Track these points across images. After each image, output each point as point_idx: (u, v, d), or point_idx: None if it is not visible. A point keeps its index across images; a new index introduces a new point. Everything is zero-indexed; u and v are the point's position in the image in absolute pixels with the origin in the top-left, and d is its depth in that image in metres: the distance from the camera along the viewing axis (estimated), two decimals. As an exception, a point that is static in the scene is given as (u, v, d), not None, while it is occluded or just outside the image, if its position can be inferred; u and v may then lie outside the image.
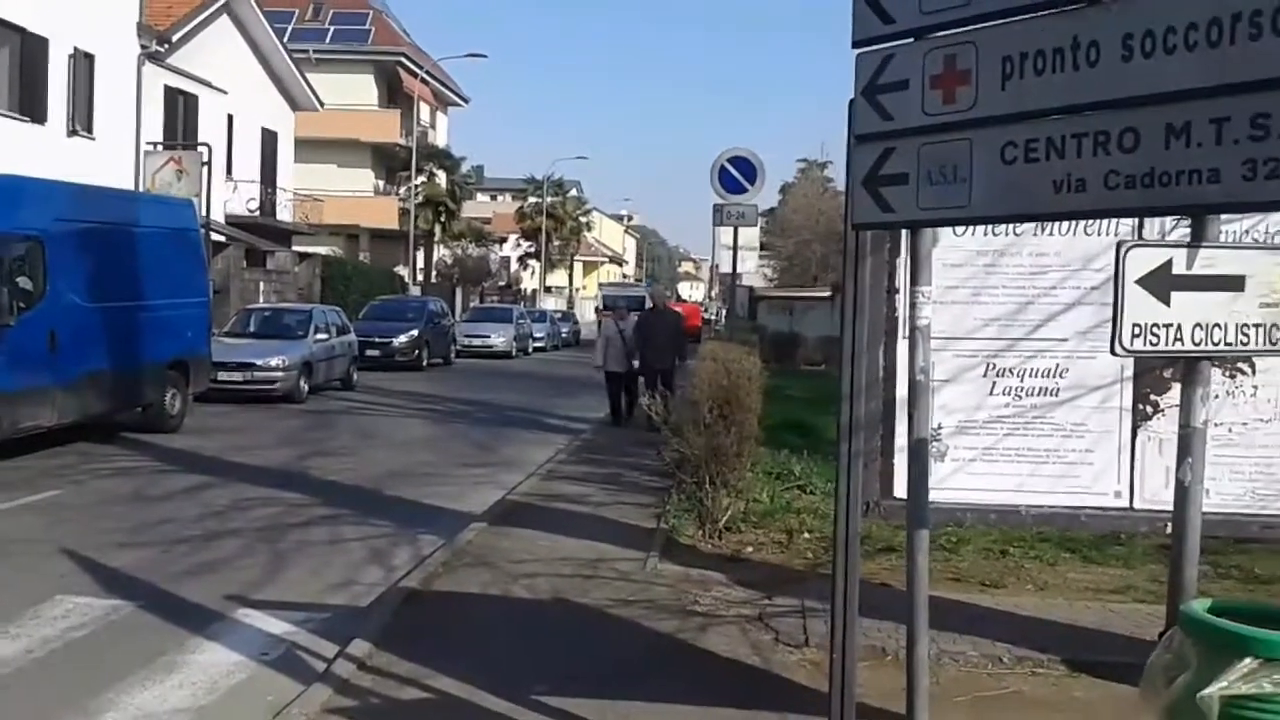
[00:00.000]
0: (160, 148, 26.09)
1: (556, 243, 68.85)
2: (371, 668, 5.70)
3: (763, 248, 41.54)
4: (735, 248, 15.44)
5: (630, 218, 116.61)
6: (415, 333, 27.70)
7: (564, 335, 45.03)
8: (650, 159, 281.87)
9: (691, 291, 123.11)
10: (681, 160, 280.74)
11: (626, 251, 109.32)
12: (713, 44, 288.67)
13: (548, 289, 68.36)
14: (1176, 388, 4.39)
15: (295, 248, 35.68)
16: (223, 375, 17.55)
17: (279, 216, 34.79)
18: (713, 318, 46.00)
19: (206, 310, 16.13)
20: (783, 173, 61.06)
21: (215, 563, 8.02)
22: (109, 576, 7.52)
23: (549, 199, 65.62)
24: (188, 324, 15.15)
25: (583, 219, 74.09)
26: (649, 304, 17.39)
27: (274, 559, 8.20)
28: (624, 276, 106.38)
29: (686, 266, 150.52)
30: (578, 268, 79.90)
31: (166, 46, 26.23)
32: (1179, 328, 3.21)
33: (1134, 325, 3.17)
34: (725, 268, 17.85)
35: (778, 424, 12.84)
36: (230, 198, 30.69)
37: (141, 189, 23.95)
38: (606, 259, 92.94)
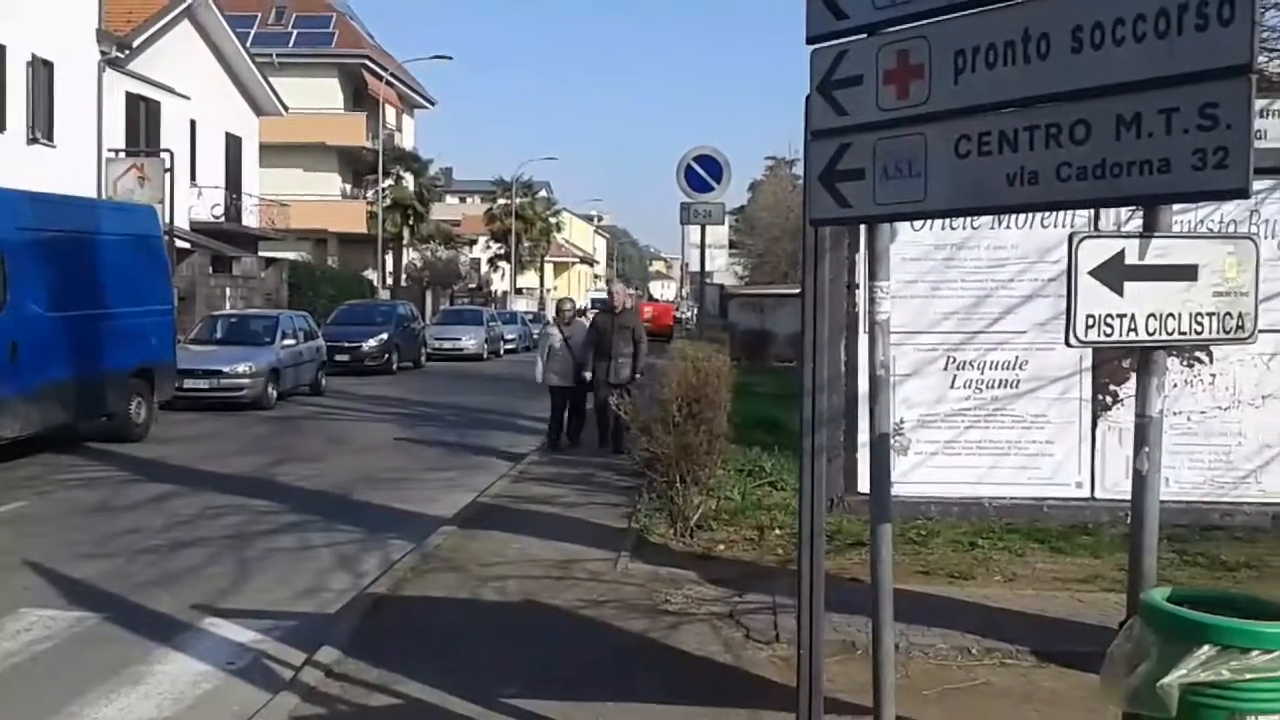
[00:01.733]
0: (122, 155, 25.86)
1: (526, 244, 68.65)
2: (339, 674, 5.66)
3: (733, 246, 41.64)
4: (703, 246, 15.46)
5: (600, 218, 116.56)
6: (385, 336, 27.55)
7: (535, 337, 44.85)
8: (619, 159, 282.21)
9: (663, 290, 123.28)
10: (651, 160, 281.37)
11: (597, 252, 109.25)
12: (681, 43, 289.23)
13: (518, 290, 68.17)
14: (1134, 378, 4.42)
15: (262, 253, 35.43)
16: (189, 383, 17.40)
17: (245, 222, 34.52)
18: (684, 316, 46.03)
19: (171, 317, 15.99)
20: (751, 171, 61.31)
21: (182, 572, 7.95)
22: (74, 588, 7.44)
23: (518, 200, 65.45)
24: (152, 332, 15.01)
25: (552, 220, 73.89)
26: (608, 304, 13.82)
27: (241, 567, 8.13)
28: (595, 278, 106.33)
29: (658, 265, 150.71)
30: (548, 269, 79.71)
31: (127, 53, 25.97)
32: (1133, 318, 3.23)
33: (1088, 316, 3.19)
34: (695, 266, 17.79)
35: (748, 421, 12.86)
36: (195, 204, 30.42)
37: (103, 196, 23.71)
38: (577, 259, 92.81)
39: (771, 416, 13.94)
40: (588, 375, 13.40)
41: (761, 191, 54.13)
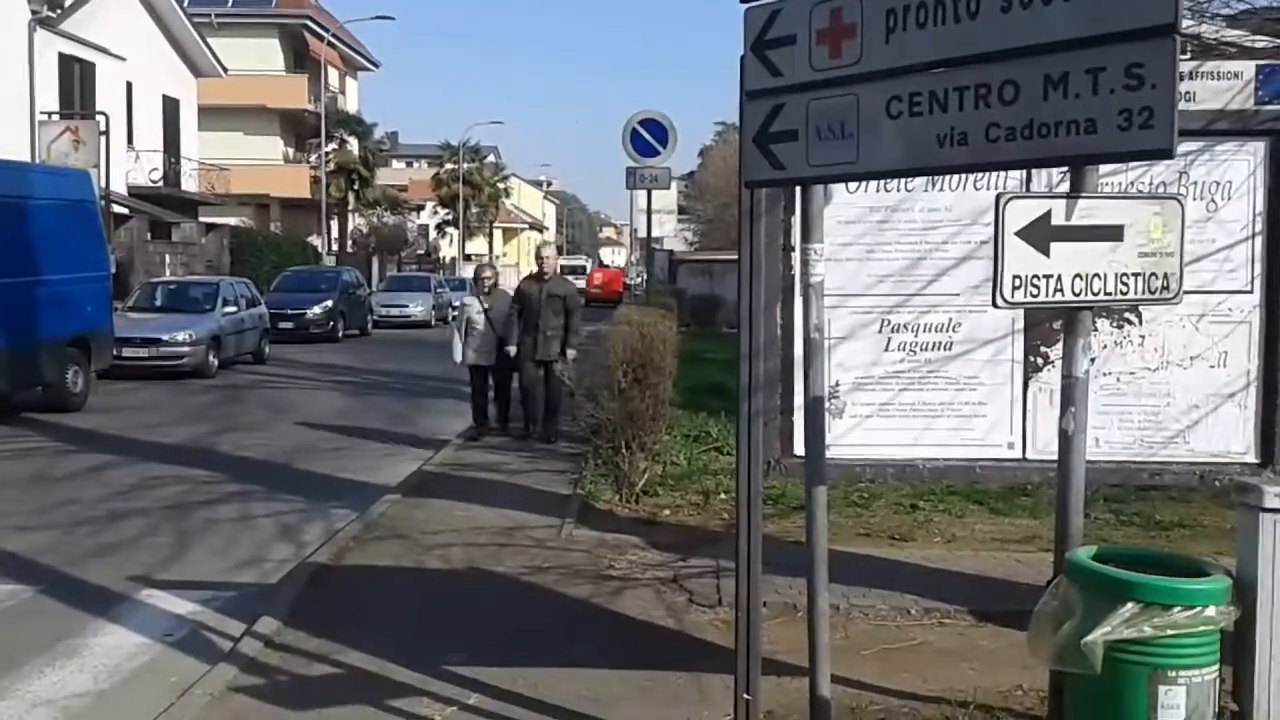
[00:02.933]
0: (55, 117, 25.22)
1: (475, 210, 68.00)
2: (279, 645, 5.61)
3: (683, 211, 41.63)
4: (649, 211, 15.40)
5: (549, 183, 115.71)
6: (329, 304, 27.23)
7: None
8: (568, 124, 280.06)
9: (614, 257, 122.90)
10: (599, 125, 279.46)
11: (546, 218, 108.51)
12: (630, 7, 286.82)
13: (467, 257, 67.48)
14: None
15: (202, 219, 34.77)
16: (127, 351, 17.10)
17: (184, 187, 33.85)
18: (634, 283, 45.98)
19: (107, 284, 15.68)
20: (702, 136, 61.15)
21: (119, 543, 7.83)
22: (8, 561, 7.31)
23: (466, 165, 64.74)
24: (87, 299, 14.71)
25: (501, 185, 73.19)
26: (537, 271, 12.09)
27: (180, 538, 8.02)
28: (545, 244, 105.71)
29: (608, 232, 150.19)
30: (497, 235, 79.08)
31: (59, 12, 25.28)
32: (1059, 278, 3.25)
33: (1014, 277, 3.20)
34: (645, 232, 17.71)
35: (696, 387, 12.89)
36: (132, 168, 29.79)
37: (36, 160, 23.10)
38: (526, 225, 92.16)
39: (719, 382, 13.98)
40: (511, 350, 11.72)
41: (711, 157, 54.14)
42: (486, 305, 12.07)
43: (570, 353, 11.75)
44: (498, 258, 76.07)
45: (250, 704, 4.92)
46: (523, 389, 11.98)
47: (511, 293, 12.38)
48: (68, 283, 14.06)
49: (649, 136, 14.30)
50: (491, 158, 73.61)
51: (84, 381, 14.55)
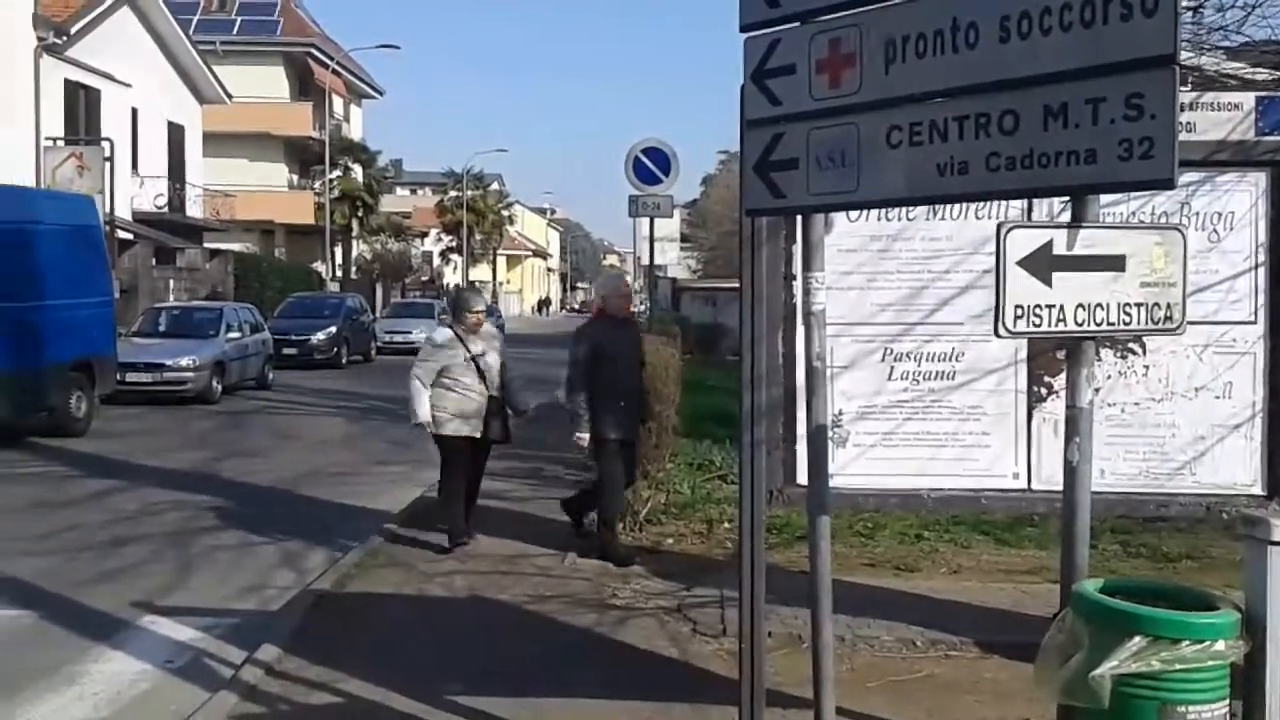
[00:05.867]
0: (61, 143, 25.35)
1: (479, 237, 68.22)
2: (280, 673, 5.58)
3: (685, 239, 41.68)
4: (652, 239, 15.43)
5: (553, 211, 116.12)
6: (333, 330, 27.27)
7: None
8: (572, 152, 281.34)
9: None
10: (603, 153, 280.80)
11: (550, 245, 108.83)
12: (632, 35, 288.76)
13: (470, 283, 67.72)
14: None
15: (207, 244, 34.93)
16: (131, 376, 17.14)
17: (189, 213, 34.01)
18: (636, 310, 46.11)
19: (111, 309, 15.71)
20: (704, 164, 61.41)
21: (122, 569, 7.81)
22: (10, 586, 7.30)
23: (470, 192, 65.00)
24: (91, 324, 14.75)
25: (505, 212, 73.50)
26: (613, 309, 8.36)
27: (182, 564, 8.00)
28: (549, 271, 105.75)
29: (611, 259, 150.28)
30: (501, 262, 79.29)
31: (65, 39, 25.45)
32: (1061, 308, 3.24)
33: (1016, 307, 3.19)
34: (648, 260, 17.73)
35: (700, 415, 12.86)
36: (137, 194, 29.92)
37: (42, 185, 23.20)
38: (530, 253, 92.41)
39: (723, 410, 13.93)
40: (583, 437, 7.91)
41: (714, 185, 54.34)
42: (476, 350, 8.25)
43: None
44: (501, 284, 76.23)
45: (250, 733, 4.89)
46: (603, 479, 8.12)
47: (498, 330, 9.05)
48: (72, 307, 14.10)
49: (651, 164, 14.35)
50: (495, 185, 73.94)
51: (87, 406, 14.57)
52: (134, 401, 17.26)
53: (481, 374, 8.20)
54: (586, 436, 7.84)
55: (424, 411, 8.19)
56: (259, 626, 6.44)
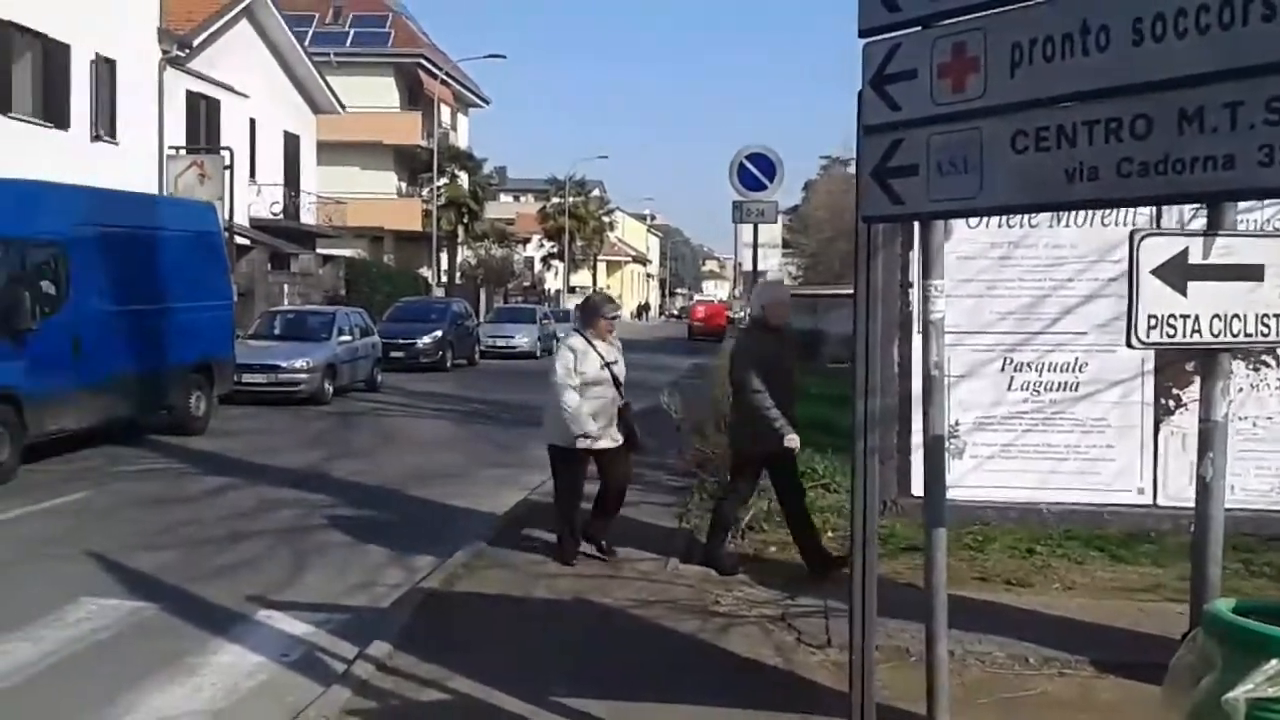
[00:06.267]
0: (183, 152, 26.30)
1: (579, 243, 68.84)
2: (391, 669, 5.68)
3: (786, 245, 41.43)
4: (755, 245, 15.33)
5: (653, 217, 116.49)
6: (439, 334, 27.74)
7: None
8: (672, 158, 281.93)
9: (716, 290, 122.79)
10: (704, 158, 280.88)
11: (650, 251, 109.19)
12: (735, 41, 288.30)
13: (571, 289, 68.32)
14: (1199, 381, 4.29)
15: (319, 250, 35.87)
16: (247, 377, 17.64)
17: (303, 219, 34.97)
18: (736, 317, 45.91)
19: (230, 313, 16.21)
20: (806, 170, 60.97)
21: (238, 564, 8.05)
22: (132, 578, 7.56)
23: (571, 199, 65.65)
24: (211, 327, 15.25)
25: (605, 219, 74.09)
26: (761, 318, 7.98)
27: (296, 560, 8.21)
28: (648, 277, 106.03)
29: (710, 265, 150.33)
30: (601, 267, 79.87)
31: (187, 51, 26.41)
32: (1196, 319, 3.13)
33: (1150, 317, 3.09)
34: (748, 266, 17.61)
35: (801, 422, 12.71)
36: (254, 201, 30.86)
37: (164, 193, 24.13)
38: (630, 259, 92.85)
39: (825, 418, 13.79)
40: (793, 441, 7.53)
41: (816, 190, 53.88)
42: (610, 357, 8.01)
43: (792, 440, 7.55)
44: (601, 289, 76.71)
45: (363, 728, 4.99)
46: (734, 490, 8.06)
47: (616, 341, 8.26)
48: (193, 310, 14.61)
49: (756, 171, 14.26)
50: (597, 192, 74.53)
51: (206, 406, 15.07)
52: (250, 401, 17.78)
53: (616, 381, 7.99)
54: (798, 440, 7.58)
55: (589, 423, 7.75)
56: (370, 623, 6.57)
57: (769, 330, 7.82)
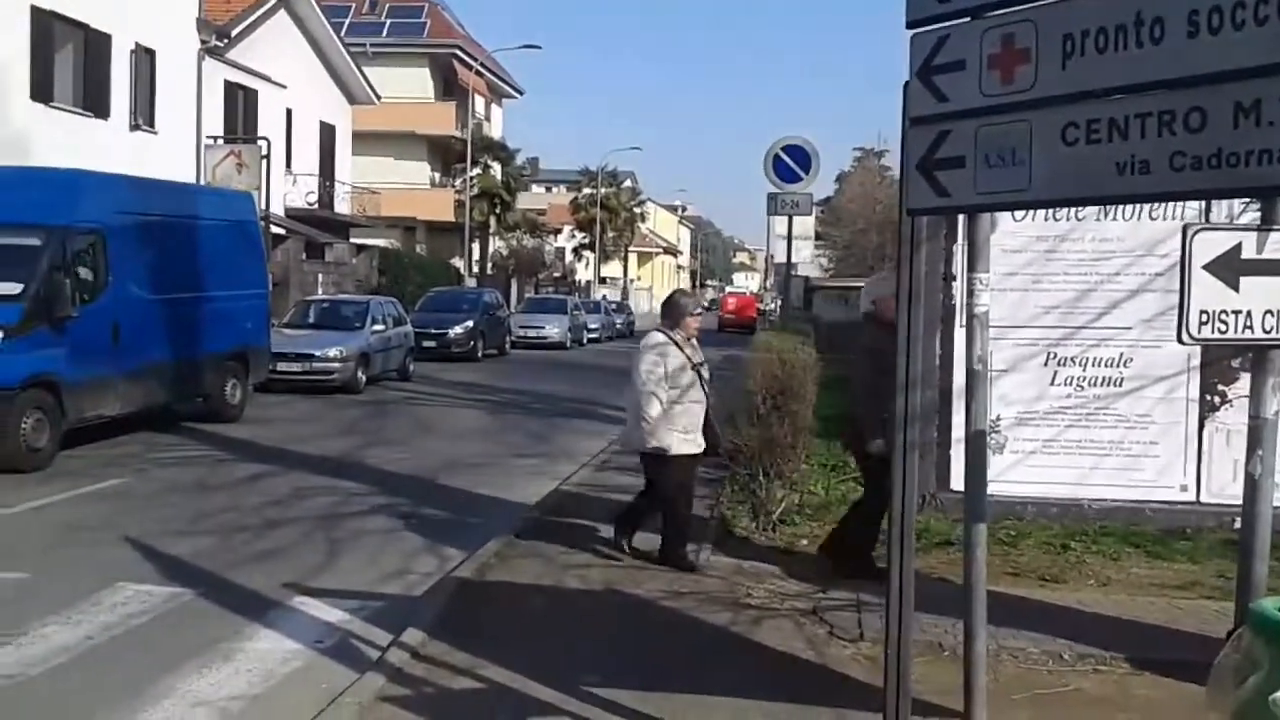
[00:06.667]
0: (220, 141, 26.51)
1: (611, 234, 68.83)
2: (425, 657, 5.72)
3: (818, 237, 41.27)
4: (789, 237, 15.29)
5: (684, 208, 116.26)
6: (471, 324, 27.83)
7: (618, 326, 45.22)
8: (704, 149, 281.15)
9: (747, 282, 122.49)
10: (735, 150, 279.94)
11: (681, 242, 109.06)
12: (766, 32, 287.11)
13: (602, 280, 68.40)
14: (1245, 378, 4.24)
15: (353, 240, 36.06)
16: (282, 366, 17.78)
17: (337, 209, 35.16)
18: (767, 309, 45.71)
19: (266, 302, 16.34)
20: (839, 161, 60.69)
21: (273, 551, 8.12)
22: (170, 564, 7.64)
23: (603, 190, 65.65)
24: (247, 315, 15.37)
25: (637, 210, 73.99)
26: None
27: (331, 547, 8.28)
28: (679, 269, 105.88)
29: (741, 257, 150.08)
30: (632, 259, 79.85)
31: (226, 41, 26.60)
32: (1249, 314, 3.09)
33: (1201, 312, 3.05)
34: (780, 258, 17.55)
35: (834, 415, 12.69)
36: (289, 191, 31.06)
37: (202, 182, 24.34)
38: (661, 250, 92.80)
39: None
40: (879, 444, 6.51)
41: (849, 183, 53.65)
42: (697, 359, 7.57)
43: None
44: (632, 281, 76.71)
45: (398, 714, 5.02)
46: (880, 495, 6.50)
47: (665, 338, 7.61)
48: (230, 299, 14.73)
49: (791, 162, 14.20)
50: (628, 183, 74.51)
51: (241, 394, 15.20)
52: (283, 390, 17.92)
53: (704, 384, 7.51)
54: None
55: (667, 436, 7.28)
56: (404, 610, 6.61)
57: (882, 326, 6.96)
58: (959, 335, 4.16)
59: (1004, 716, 4.86)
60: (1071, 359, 4.39)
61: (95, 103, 22.52)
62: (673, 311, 7.72)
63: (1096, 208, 4.25)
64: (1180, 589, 7.03)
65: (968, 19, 3.51)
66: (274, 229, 26.18)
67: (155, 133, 24.30)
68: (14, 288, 11.13)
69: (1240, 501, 3.46)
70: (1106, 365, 4.39)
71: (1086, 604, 6.69)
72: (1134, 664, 5.67)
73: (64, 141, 19.96)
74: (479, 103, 48.11)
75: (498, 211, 49.60)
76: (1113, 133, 3.10)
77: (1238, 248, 3.08)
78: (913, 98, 3.66)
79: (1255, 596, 3.21)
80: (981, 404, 3.68)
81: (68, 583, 7.01)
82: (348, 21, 41.65)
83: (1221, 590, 6.88)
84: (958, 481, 4.22)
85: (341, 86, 35.06)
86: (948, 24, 3.55)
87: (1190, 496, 4.36)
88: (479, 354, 27.97)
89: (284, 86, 30.07)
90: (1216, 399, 4.33)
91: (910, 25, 3.63)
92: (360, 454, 12.77)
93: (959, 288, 4.18)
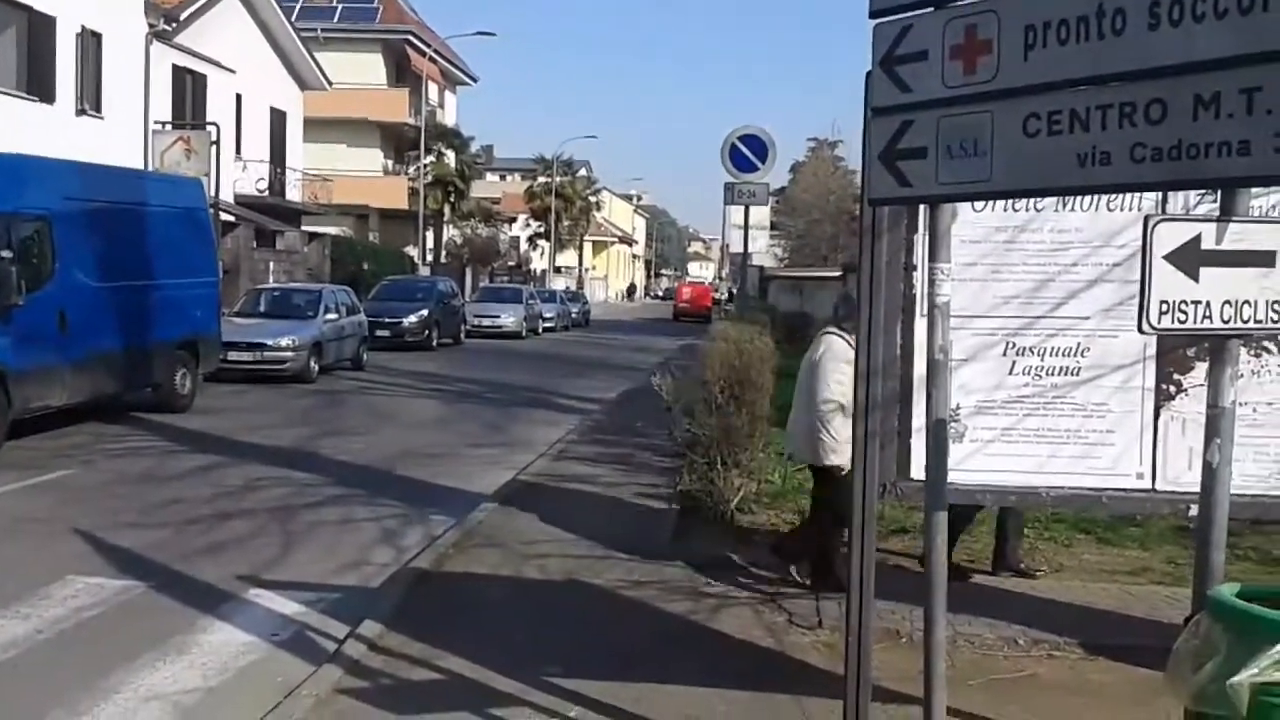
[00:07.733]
0: (169, 127, 26.07)
1: (566, 223, 68.67)
2: (382, 648, 5.68)
3: (773, 227, 41.45)
4: (746, 227, 15.33)
5: (640, 197, 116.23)
6: (425, 313, 27.66)
7: (574, 316, 45.13)
8: (660, 138, 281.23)
9: (701, 271, 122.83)
10: (691, 139, 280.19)
11: (636, 231, 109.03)
12: (722, 21, 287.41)
13: (557, 269, 68.25)
14: (1200, 367, 4.31)
15: (305, 227, 35.67)
16: (233, 355, 17.53)
17: (288, 196, 34.75)
18: (722, 298, 45.89)
19: (216, 290, 16.09)
20: (793, 152, 60.82)
21: (227, 543, 8.02)
22: (120, 556, 7.52)
23: (558, 179, 65.46)
24: (197, 303, 15.14)
25: (592, 199, 73.89)
26: None
27: (285, 539, 8.19)
28: (634, 258, 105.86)
29: (696, 246, 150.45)
30: (587, 248, 79.70)
31: (174, 25, 26.13)
32: (1208, 305, 3.12)
33: (1162, 302, 3.09)
34: (736, 247, 17.61)
35: (789, 404, 12.76)
36: (239, 177, 30.64)
37: (150, 168, 23.92)
38: (616, 239, 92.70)
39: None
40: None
41: (803, 173, 53.82)
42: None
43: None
44: (587, 270, 76.59)
45: (355, 706, 4.98)
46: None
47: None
48: (179, 287, 14.49)
49: (748, 152, 14.24)
50: (584, 171, 74.34)
51: (191, 383, 14.98)
52: (234, 379, 17.67)
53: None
54: None
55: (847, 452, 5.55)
56: (360, 602, 6.56)
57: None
58: (919, 325, 4.18)
59: (961, 702, 4.91)
60: (1030, 348, 4.43)
61: (40, 87, 22.04)
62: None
63: (1056, 199, 4.29)
64: (1131, 574, 7.16)
65: (930, 9, 3.51)
66: (224, 216, 25.81)
67: (102, 118, 23.85)
68: (-44, 275, 10.87)
69: (1195, 489, 3.51)
70: (1064, 355, 4.44)
71: (1040, 590, 6.80)
72: (1088, 649, 5.77)
73: (6, 126, 19.52)
74: (433, 90, 47.71)
75: (452, 200, 49.29)
76: (1074, 124, 3.12)
77: (1197, 239, 3.12)
78: (875, 88, 3.66)
79: (1213, 583, 3.27)
80: (942, 393, 3.70)
81: (16, 576, 6.87)
82: (299, 6, 41.06)
83: (1172, 576, 7.02)
84: (918, 470, 4.23)
85: (292, 72, 34.59)
86: (910, 14, 3.55)
87: (1146, 484, 4.42)
88: (434, 343, 27.81)
89: (233, 71, 29.62)
90: (1172, 388, 4.40)
91: (873, 15, 3.62)
92: (314, 444, 12.64)
93: (920, 278, 4.20)
